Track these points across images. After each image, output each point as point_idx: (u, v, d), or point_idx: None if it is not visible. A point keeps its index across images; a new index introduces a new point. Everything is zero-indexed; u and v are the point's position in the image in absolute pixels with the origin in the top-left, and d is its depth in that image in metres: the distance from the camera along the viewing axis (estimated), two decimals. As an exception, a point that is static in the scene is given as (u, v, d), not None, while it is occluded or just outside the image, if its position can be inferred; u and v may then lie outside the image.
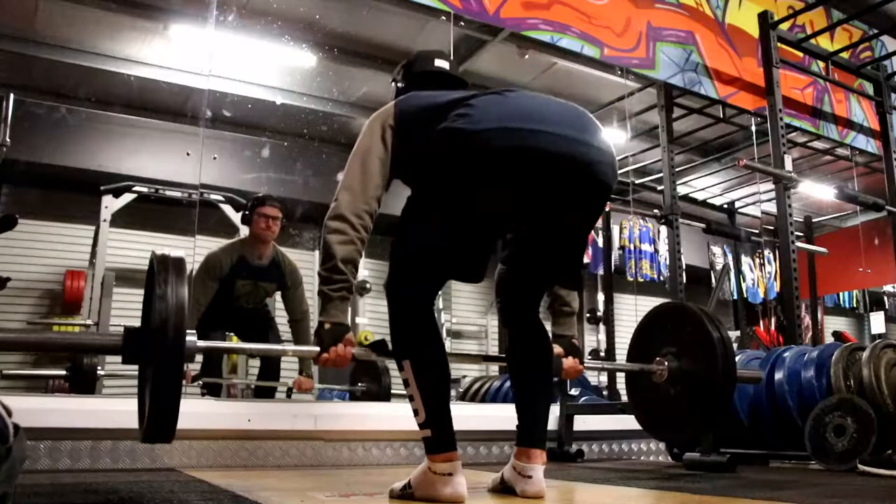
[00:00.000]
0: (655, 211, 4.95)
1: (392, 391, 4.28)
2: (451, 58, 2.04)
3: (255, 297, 3.93)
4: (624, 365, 2.45)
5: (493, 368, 7.06)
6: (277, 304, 4.24)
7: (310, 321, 3.95)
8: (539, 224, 1.71)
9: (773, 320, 7.31)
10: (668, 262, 5.27)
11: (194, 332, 1.46)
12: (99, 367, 4.32)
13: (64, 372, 4.40)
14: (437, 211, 1.66)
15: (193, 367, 3.93)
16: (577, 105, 1.72)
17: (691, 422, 2.25)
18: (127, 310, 5.78)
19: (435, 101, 1.71)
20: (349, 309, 1.72)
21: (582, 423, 3.25)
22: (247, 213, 3.91)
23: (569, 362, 1.96)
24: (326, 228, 1.67)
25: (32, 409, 2.37)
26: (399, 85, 1.96)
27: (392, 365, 1.71)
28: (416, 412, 1.64)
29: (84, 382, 4.18)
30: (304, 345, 4.09)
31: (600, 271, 6.73)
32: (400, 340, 1.69)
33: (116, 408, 2.56)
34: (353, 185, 1.69)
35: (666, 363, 2.21)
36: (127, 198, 5.40)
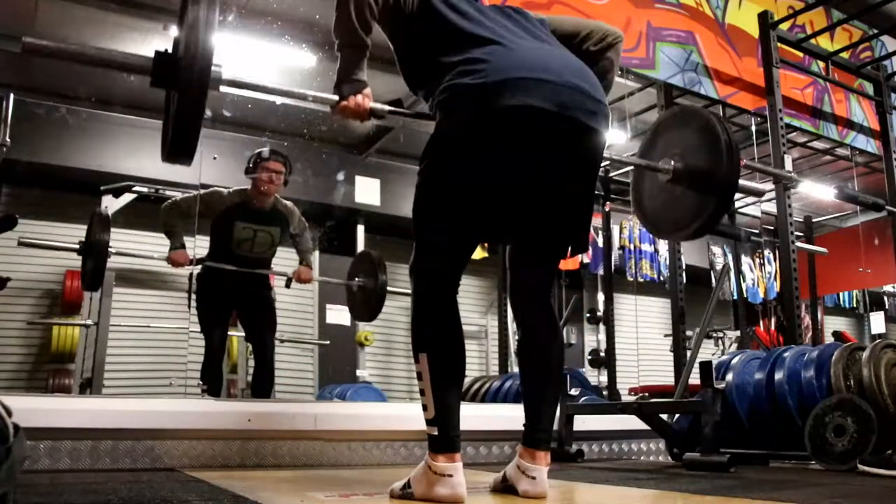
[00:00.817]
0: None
1: (388, 288, 4.27)
2: None
3: (256, 245, 3.89)
4: (633, 159, 2.52)
5: (494, 369, 7.06)
6: (280, 305, 4.24)
7: (310, 236, 3.97)
8: (545, 180, 1.72)
9: (773, 320, 7.31)
10: (668, 262, 5.27)
11: (220, 65, 1.57)
12: (110, 246, 4.34)
13: (77, 246, 4.39)
14: (446, 176, 1.67)
15: (193, 365, 3.93)
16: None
17: (694, 219, 2.29)
18: (128, 310, 5.80)
19: (453, 28, 1.75)
20: (365, 67, 1.78)
21: (582, 423, 3.25)
22: (250, 165, 3.91)
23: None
24: None
25: (32, 409, 2.37)
26: None
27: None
28: (424, 407, 1.63)
29: (95, 254, 4.18)
30: (308, 249, 4.10)
31: (600, 271, 6.73)
32: (419, 331, 1.68)
33: (116, 408, 2.56)
34: None
35: (672, 162, 2.27)
36: (127, 198, 5.40)
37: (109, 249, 4.27)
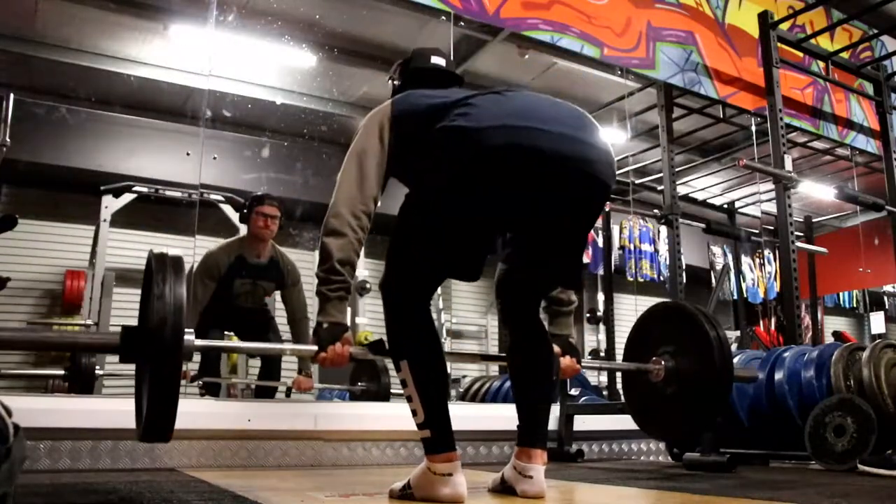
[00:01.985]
0: (655, 211, 4.95)
1: (392, 390, 4.28)
2: (451, 57, 2.04)
3: (253, 297, 3.93)
4: (621, 364, 2.45)
5: (493, 368, 7.06)
6: (278, 305, 4.24)
7: (309, 321, 3.95)
8: (539, 223, 1.71)
9: (773, 320, 7.31)
10: (668, 262, 5.27)
11: (192, 331, 1.46)
12: (98, 367, 4.32)
13: (62, 371, 4.39)
14: (435, 210, 1.65)
15: (192, 368, 3.93)
16: (577, 106, 1.72)
17: (688, 422, 2.24)
18: (127, 310, 5.79)
19: (434, 102, 1.71)
20: (347, 309, 1.72)
21: (582, 423, 3.25)
22: (245, 211, 3.91)
23: (566, 361, 1.96)
24: (324, 229, 1.67)
25: (32, 409, 2.37)
26: (396, 83, 1.96)
27: (391, 364, 1.72)
28: (414, 412, 1.64)
29: (83, 382, 4.18)
30: (303, 344, 4.10)
31: (600, 271, 6.73)
32: (396, 341, 1.69)
33: (116, 408, 2.56)
34: (350, 186, 1.69)
35: (663, 362, 2.21)
36: (127, 198, 5.40)
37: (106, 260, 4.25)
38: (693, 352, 2.19)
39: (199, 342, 1.52)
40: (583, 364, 2.05)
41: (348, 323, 1.74)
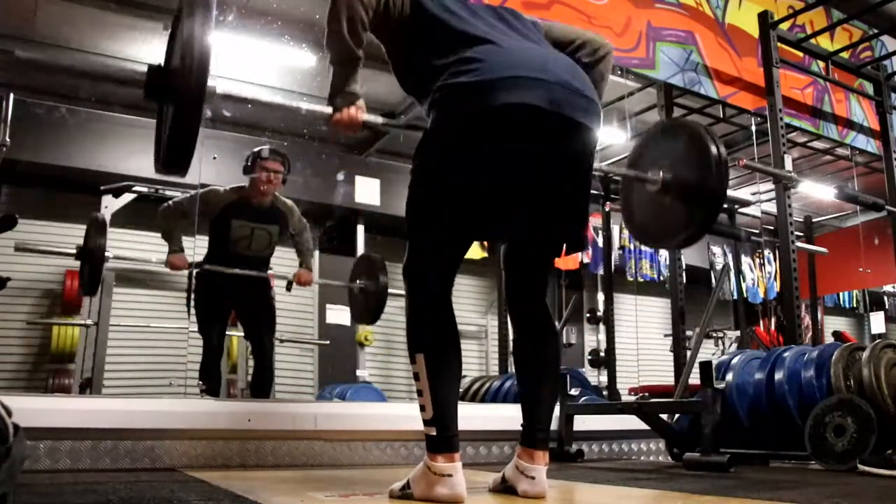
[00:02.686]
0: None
1: (389, 291, 4.27)
2: None
3: (253, 243, 3.87)
4: (621, 170, 2.55)
5: (494, 369, 7.06)
6: (280, 305, 4.23)
7: (310, 235, 3.96)
8: (542, 176, 1.72)
9: (773, 320, 7.31)
10: (668, 262, 5.27)
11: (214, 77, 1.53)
12: (107, 251, 4.37)
13: (74, 250, 4.41)
14: (443, 169, 1.67)
15: (192, 365, 3.93)
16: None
17: (683, 230, 2.31)
18: (127, 310, 5.80)
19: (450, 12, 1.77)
20: (359, 79, 1.81)
21: (582, 423, 3.25)
22: (248, 164, 3.90)
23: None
24: (331, 6, 1.73)
25: (32, 409, 2.37)
26: None
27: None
28: (422, 408, 1.63)
29: (92, 259, 4.19)
30: (307, 251, 4.10)
31: (600, 271, 6.73)
32: (415, 332, 1.69)
33: (116, 408, 2.56)
34: None
35: (661, 173, 2.30)
36: (127, 198, 5.40)
37: (106, 254, 4.26)
38: (691, 164, 2.28)
39: (220, 89, 1.67)
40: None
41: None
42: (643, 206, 2.43)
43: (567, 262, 6.52)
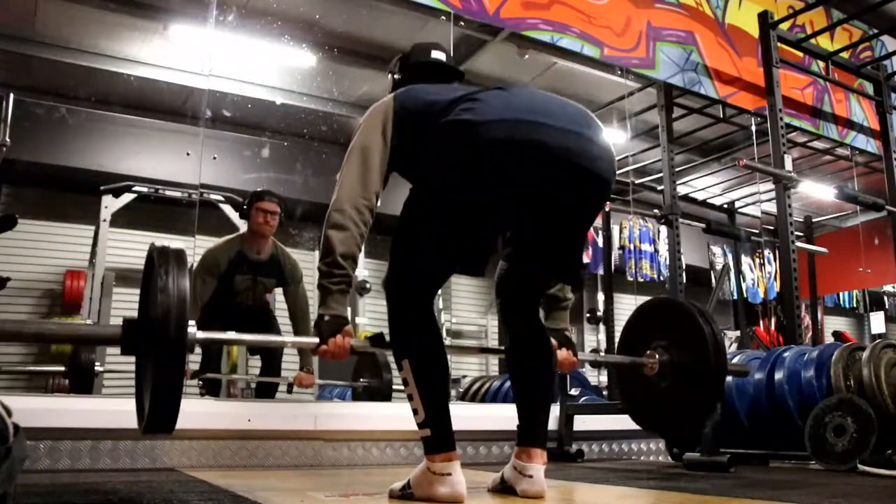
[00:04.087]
0: (655, 211, 4.95)
1: (394, 387, 4.26)
2: (450, 51, 2.04)
3: (254, 294, 3.91)
4: (615, 357, 2.46)
5: (494, 368, 7.06)
6: (279, 305, 4.23)
7: (310, 317, 3.94)
8: (540, 217, 1.71)
9: (773, 320, 7.31)
10: (668, 262, 5.27)
11: (194, 322, 1.45)
12: (98, 363, 4.32)
13: (63, 368, 4.39)
14: (438, 204, 1.66)
15: (193, 362, 3.93)
16: (579, 104, 1.73)
17: (682, 416, 2.26)
18: (127, 310, 5.78)
19: (437, 97, 1.71)
20: (348, 303, 1.72)
21: (582, 423, 3.25)
22: (245, 207, 3.91)
23: (563, 354, 1.96)
24: (327, 223, 1.67)
25: (32, 409, 2.37)
26: (396, 77, 1.95)
27: (393, 359, 1.72)
28: (415, 412, 1.64)
29: (83, 379, 4.18)
30: (306, 346, 4.10)
31: (600, 271, 6.73)
32: (399, 339, 1.69)
33: (116, 408, 2.56)
34: (352, 181, 1.69)
35: (657, 356, 2.22)
36: (127, 198, 5.40)
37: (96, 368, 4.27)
38: (687, 346, 2.20)
39: (201, 334, 1.51)
40: (579, 357, 2.05)
41: (349, 317, 1.74)
42: (641, 392, 2.34)
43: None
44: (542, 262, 1.82)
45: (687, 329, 2.20)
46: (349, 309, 1.74)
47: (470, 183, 1.60)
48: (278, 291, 4.10)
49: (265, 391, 4.06)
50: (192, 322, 1.41)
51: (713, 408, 2.30)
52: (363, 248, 1.71)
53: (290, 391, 4.28)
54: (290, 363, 4.23)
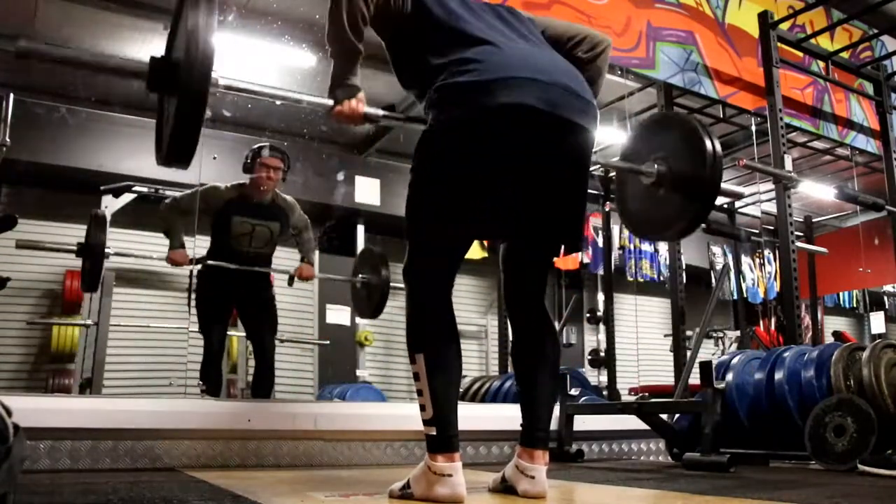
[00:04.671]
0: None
1: (391, 285, 4.27)
2: None
3: (253, 240, 3.88)
4: (615, 162, 2.60)
5: (493, 369, 7.06)
6: (280, 305, 4.23)
7: (311, 234, 3.99)
8: (537, 179, 1.73)
9: (773, 320, 7.31)
10: (668, 262, 5.27)
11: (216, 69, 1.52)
12: (108, 247, 4.40)
13: (75, 246, 4.44)
14: (442, 166, 1.68)
15: (193, 364, 3.93)
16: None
17: (675, 220, 2.33)
18: (127, 309, 5.79)
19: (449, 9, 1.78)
20: (358, 72, 1.82)
21: (582, 423, 3.25)
22: (247, 161, 3.91)
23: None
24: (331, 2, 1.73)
25: (32, 409, 2.37)
26: None
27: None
28: (422, 408, 1.63)
29: (93, 259, 4.22)
30: (309, 247, 4.12)
31: (600, 271, 6.73)
32: (415, 332, 1.69)
33: (116, 408, 2.56)
34: None
35: (656, 166, 2.32)
36: (127, 198, 5.40)
37: (107, 250, 4.25)
38: (686, 157, 2.30)
39: (223, 81, 1.62)
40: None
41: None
42: (637, 199, 2.46)
43: (567, 262, 6.52)
44: (542, 227, 1.82)
45: (688, 141, 2.29)
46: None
47: (471, 144, 1.64)
48: (279, 292, 4.10)
49: (261, 388, 4.02)
50: (214, 69, 1.47)
51: (704, 216, 2.38)
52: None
53: (290, 283, 4.26)
54: (285, 364, 4.22)
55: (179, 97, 1.41)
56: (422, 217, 1.73)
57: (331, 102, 1.80)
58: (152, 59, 1.51)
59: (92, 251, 4.21)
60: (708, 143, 2.26)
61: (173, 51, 1.52)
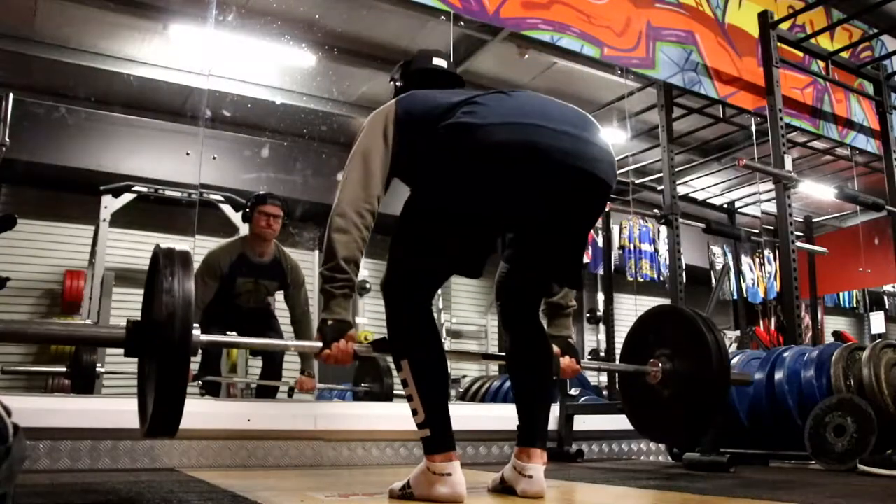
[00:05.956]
0: (655, 211, 4.95)
1: (395, 391, 4.26)
2: (451, 58, 2.06)
3: (256, 296, 3.92)
4: (619, 365, 2.47)
5: (493, 368, 7.05)
6: (279, 306, 4.23)
7: (311, 320, 3.94)
8: (540, 220, 1.71)
9: (773, 320, 7.31)
10: (668, 262, 5.27)
11: (198, 325, 1.45)
12: (98, 364, 4.33)
13: (64, 369, 4.39)
14: (437, 208, 1.66)
15: (193, 361, 3.92)
16: (578, 107, 1.74)
17: (685, 425, 2.26)
18: (127, 309, 5.79)
19: (438, 101, 1.71)
20: (351, 307, 1.72)
21: (582, 423, 3.25)
22: (247, 210, 3.91)
23: (566, 362, 1.97)
24: (329, 227, 1.67)
25: (32, 409, 2.37)
26: (398, 84, 1.97)
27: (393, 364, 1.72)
28: (414, 412, 1.64)
29: (84, 379, 4.18)
30: (310, 364, 4.11)
31: (600, 271, 6.73)
32: (398, 340, 1.69)
33: (116, 408, 2.56)
34: (354, 184, 1.69)
35: (660, 364, 2.23)
36: (126, 198, 5.40)
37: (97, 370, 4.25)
38: (690, 355, 2.20)
39: (205, 337, 1.51)
40: (582, 365, 2.05)
41: (352, 321, 1.73)
42: (642, 398, 2.35)
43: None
44: (542, 266, 1.82)
45: (690, 337, 2.21)
46: (351, 308, 1.74)
47: (469, 185, 1.60)
48: (279, 296, 4.10)
49: (266, 392, 4.07)
50: (196, 325, 1.40)
51: (716, 416, 2.30)
52: (365, 249, 1.71)
53: (290, 395, 4.29)
54: (290, 367, 4.23)
55: (160, 363, 1.33)
56: (411, 250, 1.70)
57: (319, 345, 1.66)
58: (128, 323, 1.43)
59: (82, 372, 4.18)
60: (710, 338, 2.18)
61: (151, 313, 1.44)
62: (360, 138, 1.75)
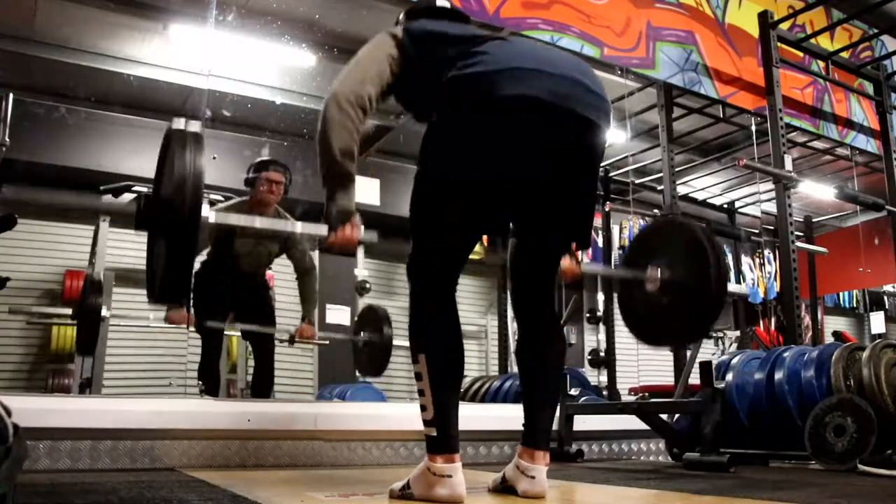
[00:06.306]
0: (655, 211, 4.96)
1: (393, 342, 4.26)
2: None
3: (254, 259, 3.89)
4: (618, 271, 2.55)
5: (494, 369, 7.06)
6: (278, 306, 4.23)
7: (316, 277, 3.98)
8: (542, 183, 1.72)
9: (773, 320, 7.31)
10: (668, 262, 5.27)
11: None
12: (104, 308, 4.39)
13: (70, 311, 4.45)
14: (440, 174, 1.67)
15: (192, 365, 3.92)
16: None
17: (683, 330, 2.31)
18: (127, 310, 5.79)
19: (445, 31, 1.77)
20: (354, 195, 1.77)
21: (582, 423, 3.25)
22: (249, 175, 3.91)
23: (566, 263, 1.98)
24: (323, 117, 1.71)
25: (32, 409, 2.36)
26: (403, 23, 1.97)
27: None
28: (423, 408, 1.63)
29: (89, 324, 4.21)
30: (311, 300, 4.12)
31: (600, 271, 6.73)
32: (418, 331, 1.68)
33: (116, 408, 2.56)
34: (350, 80, 1.74)
35: (659, 272, 2.28)
36: (126, 198, 5.40)
37: (103, 314, 4.26)
38: (690, 264, 2.25)
39: (213, 217, 1.55)
40: (582, 268, 2.08)
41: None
42: (641, 306, 2.39)
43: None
44: (548, 228, 1.81)
45: (689, 248, 2.25)
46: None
47: (472, 148, 1.63)
48: (278, 296, 4.09)
49: (260, 388, 4.01)
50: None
51: (711, 324, 2.35)
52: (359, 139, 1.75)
53: (291, 343, 4.26)
54: (285, 364, 4.22)
55: (169, 236, 1.35)
56: (427, 216, 1.72)
57: (325, 231, 1.72)
58: (138, 197, 1.45)
59: (87, 316, 4.20)
60: (712, 257, 2.21)
61: (161, 189, 1.44)
62: (362, 48, 1.79)
